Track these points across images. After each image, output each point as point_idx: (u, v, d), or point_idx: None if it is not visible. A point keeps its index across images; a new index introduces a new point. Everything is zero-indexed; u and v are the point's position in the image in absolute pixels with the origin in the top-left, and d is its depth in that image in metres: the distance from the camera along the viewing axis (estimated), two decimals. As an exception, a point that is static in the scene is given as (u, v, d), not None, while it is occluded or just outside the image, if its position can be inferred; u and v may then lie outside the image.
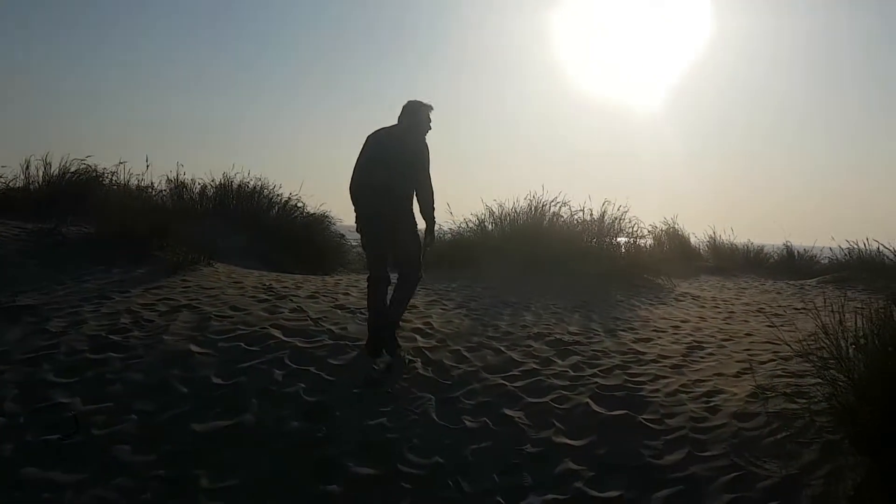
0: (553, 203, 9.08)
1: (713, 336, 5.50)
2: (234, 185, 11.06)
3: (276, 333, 4.84)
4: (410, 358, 4.58)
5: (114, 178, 9.77)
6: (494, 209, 9.21)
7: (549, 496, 2.96)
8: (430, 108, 4.83)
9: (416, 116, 4.76)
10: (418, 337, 5.03)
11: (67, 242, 7.43)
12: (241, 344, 4.61)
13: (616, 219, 8.94)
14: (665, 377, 4.27)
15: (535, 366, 4.53)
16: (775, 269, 14.69)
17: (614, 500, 2.92)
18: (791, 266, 14.94)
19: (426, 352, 4.70)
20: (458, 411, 3.84)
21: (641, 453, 3.30)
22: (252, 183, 11.12)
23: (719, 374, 4.29)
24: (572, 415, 3.77)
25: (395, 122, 4.82)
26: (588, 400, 3.92)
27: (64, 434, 3.36)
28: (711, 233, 15.24)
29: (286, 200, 11.16)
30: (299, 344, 4.67)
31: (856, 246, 11.61)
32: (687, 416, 3.62)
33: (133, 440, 3.35)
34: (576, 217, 9.02)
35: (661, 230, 12.20)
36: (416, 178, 4.64)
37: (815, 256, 15.72)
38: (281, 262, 9.43)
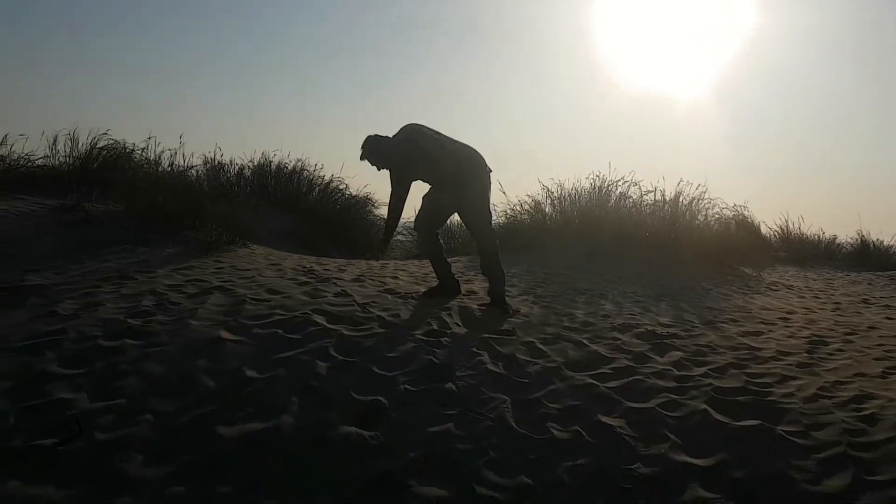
0: (620, 182, 8.21)
1: (832, 329, 4.65)
2: (273, 166, 10.51)
3: (319, 319, 4.16)
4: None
5: (144, 153, 9.21)
6: (553, 189, 8.37)
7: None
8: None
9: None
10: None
11: (91, 220, 6.82)
12: (279, 331, 3.93)
13: (693, 200, 8.02)
14: (795, 378, 3.46)
15: (628, 362, 3.76)
16: (850, 261, 13.62)
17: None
18: (866, 258, 13.83)
19: (493, 343, 3.97)
20: (541, 417, 3.10)
21: (792, 477, 2.52)
22: (292, 164, 10.54)
23: (861, 375, 3.47)
24: (689, 425, 2.99)
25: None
26: (706, 406, 3.14)
27: (61, 438, 2.69)
28: (783, 222, 14.17)
29: (328, 182, 10.52)
30: (346, 332, 3.98)
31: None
32: (839, 429, 2.83)
33: (145, 448, 2.67)
34: (646, 198, 8.13)
35: (729, 217, 11.22)
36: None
37: (891, 248, 14.60)
38: (321, 245, 8.78)
